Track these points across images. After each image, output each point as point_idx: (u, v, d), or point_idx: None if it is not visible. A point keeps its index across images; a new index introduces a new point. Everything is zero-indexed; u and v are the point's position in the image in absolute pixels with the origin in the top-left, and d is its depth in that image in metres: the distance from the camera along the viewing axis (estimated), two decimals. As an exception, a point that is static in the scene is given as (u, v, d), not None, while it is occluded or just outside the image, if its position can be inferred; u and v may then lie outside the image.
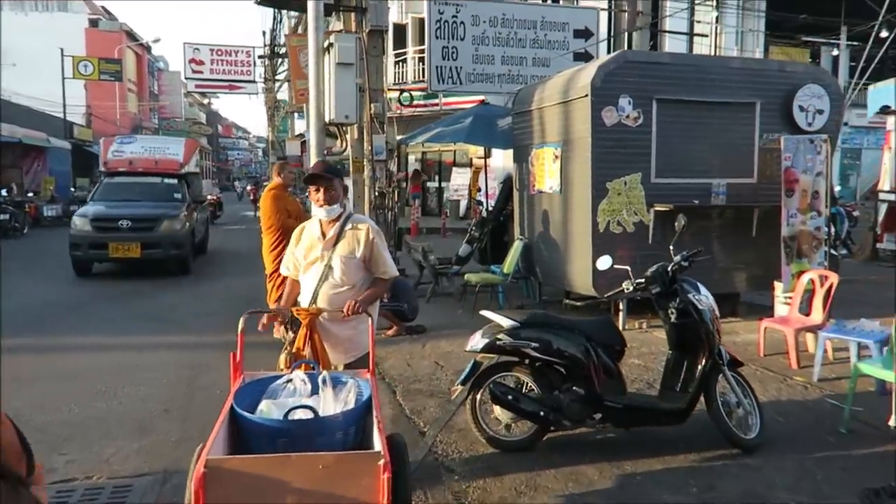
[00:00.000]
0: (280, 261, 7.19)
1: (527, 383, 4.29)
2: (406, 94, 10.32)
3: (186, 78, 27.10)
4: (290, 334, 3.60)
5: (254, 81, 26.28)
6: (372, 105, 9.02)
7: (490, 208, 11.30)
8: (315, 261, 3.62)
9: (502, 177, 12.03)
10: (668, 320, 4.25)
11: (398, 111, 19.99)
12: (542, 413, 4.09)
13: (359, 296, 3.54)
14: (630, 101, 7.07)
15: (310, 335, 3.46)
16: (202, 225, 13.72)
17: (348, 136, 9.31)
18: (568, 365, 4.10)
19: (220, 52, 26.13)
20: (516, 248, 8.49)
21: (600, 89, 7.00)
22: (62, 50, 31.08)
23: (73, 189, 26.98)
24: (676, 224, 4.58)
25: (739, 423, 4.20)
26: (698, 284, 4.29)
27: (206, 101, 77.92)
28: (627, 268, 4.44)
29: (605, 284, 7.02)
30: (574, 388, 4.12)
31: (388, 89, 9.90)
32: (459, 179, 23.17)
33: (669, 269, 4.26)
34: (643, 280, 4.32)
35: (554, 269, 7.99)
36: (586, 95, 7.04)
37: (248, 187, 38.74)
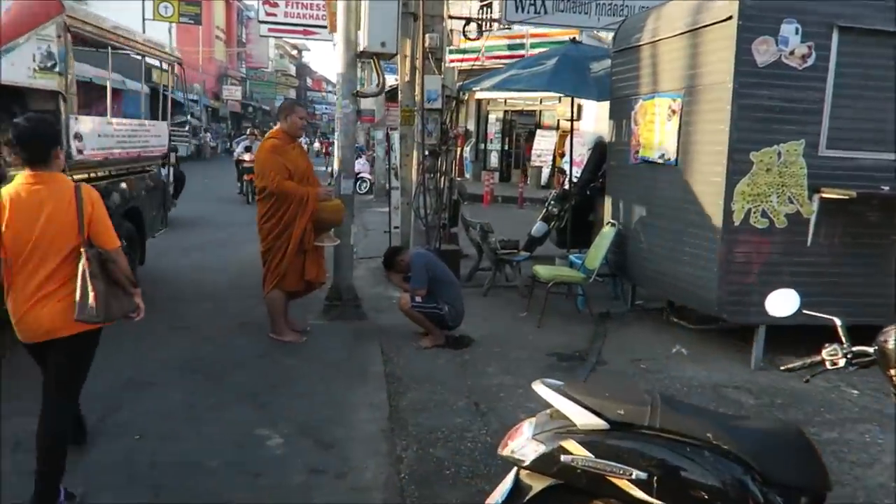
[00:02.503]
0: (275, 236, 5.38)
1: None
2: (472, 31, 8.06)
3: (260, 21, 25.49)
4: None
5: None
6: (427, 36, 6.92)
7: (575, 178, 9.02)
8: None
9: (592, 142, 9.68)
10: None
11: (479, 62, 17.72)
12: None
13: None
14: (798, 28, 4.66)
15: None
16: None
17: (397, 76, 7.27)
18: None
19: (295, -6, 24.39)
20: (606, 236, 6.27)
21: (752, 9, 4.63)
22: (143, -11, 30.35)
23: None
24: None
25: None
26: None
27: (295, 52, 77.53)
28: (835, 319, 2.22)
29: (734, 302, 4.78)
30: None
31: (450, 17, 7.70)
32: (543, 143, 20.70)
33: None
34: (877, 349, 2.10)
35: (657, 270, 5.75)
36: (729, 18, 4.69)
37: (317, 143, 37.23)
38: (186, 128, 10.59)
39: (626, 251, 6.22)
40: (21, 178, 2.88)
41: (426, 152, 7.08)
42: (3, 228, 2.79)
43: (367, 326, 5.86)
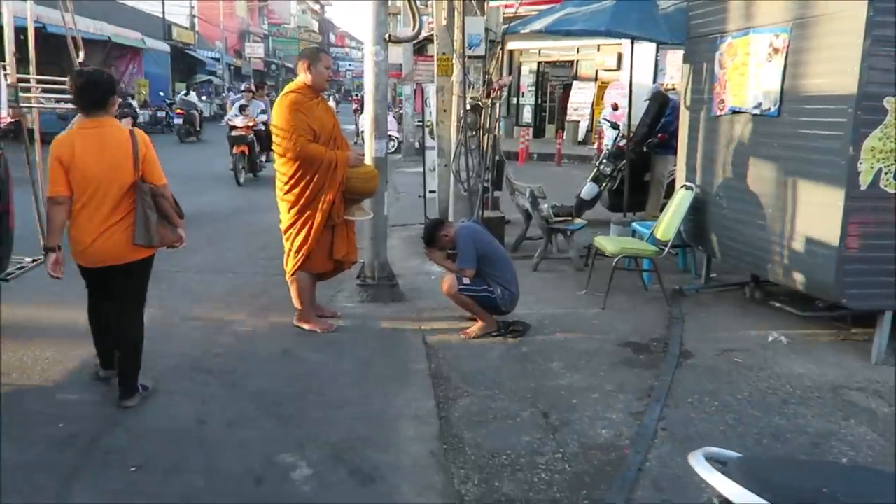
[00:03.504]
0: (299, 209, 4.57)
1: None
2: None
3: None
4: None
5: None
6: (467, -30, 5.96)
7: (624, 133, 8.07)
8: None
9: (643, 94, 8.66)
10: None
11: (514, 9, 16.47)
12: None
13: None
14: (955, -64, 3.65)
15: None
16: None
17: (432, 17, 6.36)
18: None
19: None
20: (680, 202, 5.37)
21: (896, -87, 3.62)
22: (159, -57, 29.23)
23: (161, 93, 25.53)
24: None
25: None
26: None
27: (318, 7, 75.71)
28: None
29: (856, 284, 3.91)
30: None
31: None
32: (580, 96, 19.51)
33: None
34: None
35: (745, 242, 4.86)
36: (864, -74, 3.68)
37: (332, 101, 35.89)
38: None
39: (705, 218, 5.32)
40: (82, 124, 3.25)
41: (467, 107, 6.19)
42: (70, 169, 3.14)
43: (404, 310, 5.11)
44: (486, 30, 6.12)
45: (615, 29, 6.29)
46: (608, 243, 5.39)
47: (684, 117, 5.64)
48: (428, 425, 3.39)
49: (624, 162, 7.86)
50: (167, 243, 3.42)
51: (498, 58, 6.31)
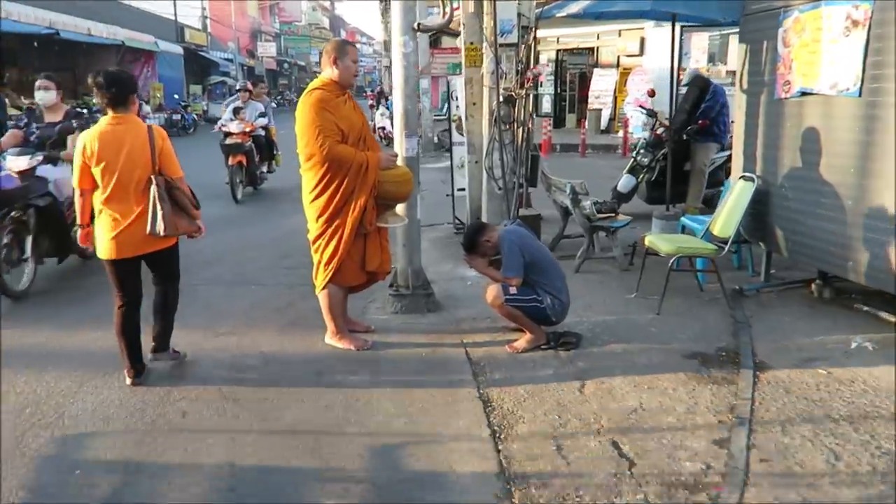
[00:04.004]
0: (327, 218, 4.14)
1: None
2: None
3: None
4: None
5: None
6: (497, -49, 5.53)
7: (662, 121, 7.60)
8: None
9: (689, 76, 8.17)
10: None
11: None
12: None
13: None
14: None
15: None
16: None
17: (458, 5, 5.95)
18: None
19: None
20: (740, 195, 4.91)
21: None
22: (168, -55, 29.00)
23: (176, 96, 25.33)
24: None
25: None
26: None
27: (328, 3, 75.43)
28: None
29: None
30: None
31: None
32: (602, 83, 18.97)
33: None
34: None
35: (818, 237, 4.41)
36: None
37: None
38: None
39: (767, 211, 4.88)
40: (105, 121, 3.45)
41: (500, 98, 5.77)
42: (93, 163, 3.36)
43: (442, 321, 4.72)
44: (519, 15, 5.69)
45: (660, 8, 5.83)
46: (661, 242, 4.95)
47: (741, 102, 5.18)
48: (485, 459, 3.00)
49: (663, 151, 7.41)
50: (184, 232, 3.59)
51: (531, 45, 5.87)
